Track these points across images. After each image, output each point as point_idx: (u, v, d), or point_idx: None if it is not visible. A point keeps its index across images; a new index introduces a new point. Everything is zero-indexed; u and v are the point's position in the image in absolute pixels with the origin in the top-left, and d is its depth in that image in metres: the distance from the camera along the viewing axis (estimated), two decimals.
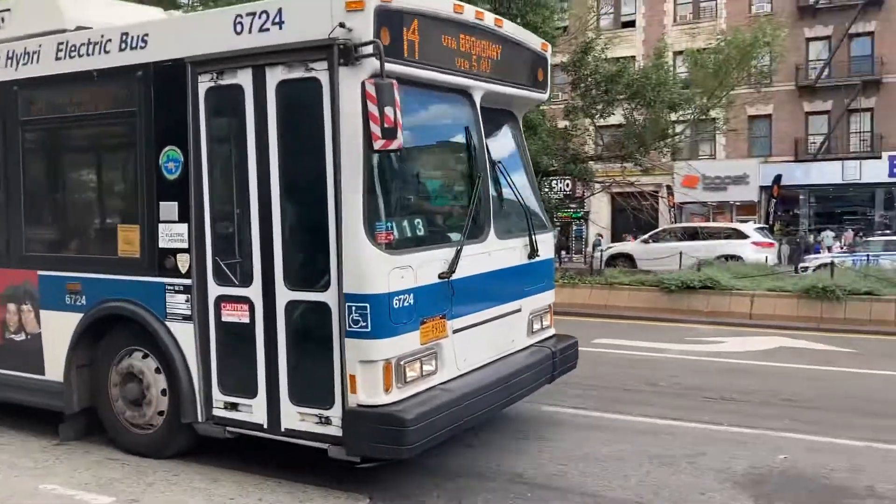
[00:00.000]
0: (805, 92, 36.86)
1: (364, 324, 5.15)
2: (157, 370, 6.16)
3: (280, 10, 5.32)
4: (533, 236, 6.81)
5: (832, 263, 17.00)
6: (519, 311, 6.72)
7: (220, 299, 5.77)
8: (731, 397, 8.74)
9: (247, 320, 5.66)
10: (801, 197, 37.21)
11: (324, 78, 5.20)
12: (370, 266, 5.15)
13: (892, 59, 35.55)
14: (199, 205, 5.79)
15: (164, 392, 6.14)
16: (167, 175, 5.93)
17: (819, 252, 29.59)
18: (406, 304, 5.32)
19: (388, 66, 5.05)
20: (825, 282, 14.64)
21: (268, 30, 5.39)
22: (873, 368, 10.53)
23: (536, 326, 7.03)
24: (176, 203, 5.89)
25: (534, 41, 7.06)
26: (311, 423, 5.45)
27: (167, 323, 5.97)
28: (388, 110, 4.79)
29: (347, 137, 5.12)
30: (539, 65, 7.14)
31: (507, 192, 6.61)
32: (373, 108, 4.81)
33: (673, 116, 22.21)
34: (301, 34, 5.25)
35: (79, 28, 6.62)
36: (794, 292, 14.79)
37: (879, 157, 35.19)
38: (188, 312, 5.87)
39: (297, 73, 5.32)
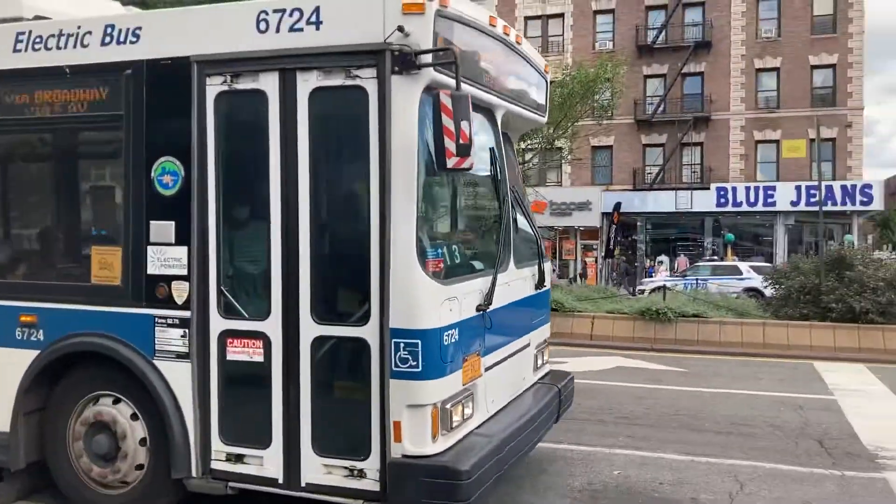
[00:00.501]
0: (643, 125, 39.89)
1: (414, 363, 4.57)
2: (134, 416, 5.28)
3: (318, 9, 4.71)
4: (542, 264, 6.43)
5: (664, 287, 17.85)
6: (528, 345, 6.30)
7: (226, 335, 5.01)
8: (571, 416, 8.61)
9: (260, 358, 4.93)
10: (638, 223, 39.72)
11: (371, 87, 4.62)
12: (423, 297, 4.59)
13: (720, 97, 39.07)
14: (202, 225, 5.03)
15: (143, 442, 5.27)
16: (161, 190, 5.12)
17: (653, 276, 31.57)
18: (453, 339, 4.79)
19: (435, 77, 4.57)
20: (658, 305, 15.28)
21: (300, 29, 4.76)
22: (700, 386, 10.97)
23: (540, 362, 6.63)
24: (172, 223, 5.09)
25: (540, 61, 6.73)
26: (340, 476, 4.79)
27: (156, 362, 5.13)
28: (464, 125, 4.29)
29: (400, 155, 4.56)
30: (542, 86, 6.82)
31: (519, 218, 6.21)
32: (448, 123, 4.29)
33: (522, 145, 22.76)
34: (343, 36, 4.66)
35: (37, 17, 5.70)
36: (631, 314, 15.37)
37: (708, 188, 38.10)
38: (184, 350, 5.06)
39: (336, 81, 4.71)
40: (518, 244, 6.07)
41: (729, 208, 37.91)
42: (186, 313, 5.05)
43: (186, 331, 5.05)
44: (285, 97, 4.82)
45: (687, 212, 38.16)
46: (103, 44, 5.25)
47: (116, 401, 5.35)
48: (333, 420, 4.86)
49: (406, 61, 4.49)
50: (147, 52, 5.14)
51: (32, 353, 5.43)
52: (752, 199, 37.67)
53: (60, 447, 5.49)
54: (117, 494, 5.36)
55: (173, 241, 5.08)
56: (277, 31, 4.80)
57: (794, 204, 36.79)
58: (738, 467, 7.07)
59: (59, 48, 5.37)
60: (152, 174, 5.13)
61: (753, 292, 23.01)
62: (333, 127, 4.84)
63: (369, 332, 4.67)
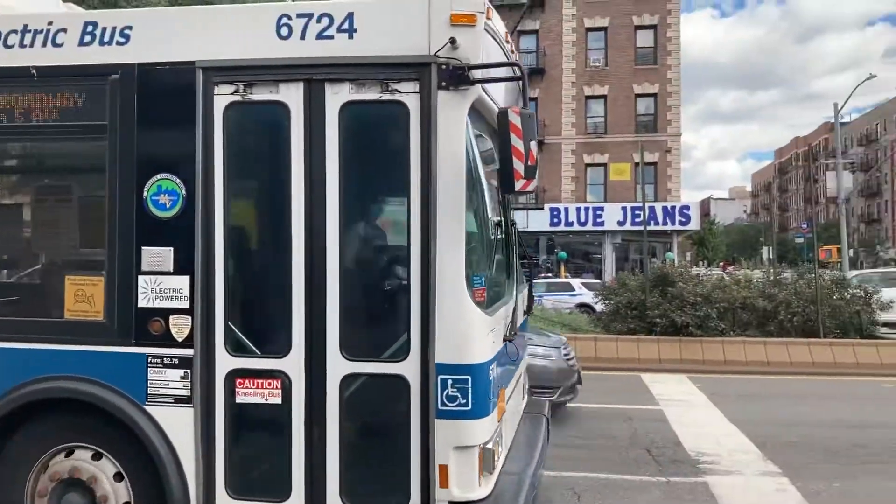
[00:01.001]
0: None
1: (463, 401, 4.22)
2: (119, 476, 4.61)
3: (350, 16, 4.30)
4: (532, 289, 6.23)
5: None
6: (521, 374, 6.07)
7: (236, 374, 4.46)
8: None
9: (277, 400, 4.41)
10: None
11: (412, 103, 4.25)
12: (474, 329, 4.25)
13: (553, 122, 41.18)
14: (207, 252, 4.46)
15: (119, 477, 4.61)
16: (157, 212, 4.51)
17: None
18: (495, 374, 4.49)
19: (480, 95, 4.29)
20: None
21: (331, 37, 4.33)
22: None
23: (525, 390, 6.41)
24: (171, 249, 4.49)
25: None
26: None
27: (149, 408, 4.49)
28: (533, 146, 4.02)
29: (448, 176, 4.22)
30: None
31: (513, 238, 5.98)
32: (517, 143, 4.00)
33: None
34: (380, 47, 4.28)
35: None
36: None
37: (542, 209, 39.70)
38: (185, 393, 4.46)
39: (371, 95, 4.31)
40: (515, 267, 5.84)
41: (561, 227, 40.07)
42: (188, 351, 4.45)
43: (188, 371, 4.45)
44: (311, 110, 4.36)
45: (523, 231, 39.23)
46: (82, 43, 4.58)
47: (97, 455, 4.64)
48: (365, 466, 4.42)
49: (456, 76, 4.16)
50: (139, 54, 4.52)
51: None
52: (582, 219, 40.11)
53: None
54: None
55: (172, 270, 4.48)
56: (302, 37, 4.35)
57: (620, 224, 39.54)
58: (575, 479, 7.30)
59: (22, 46, 4.64)
60: (145, 194, 4.51)
61: (585, 308, 24.03)
62: (368, 144, 4.43)
63: (409, 368, 4.28)
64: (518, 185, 4.03)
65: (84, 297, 4.57)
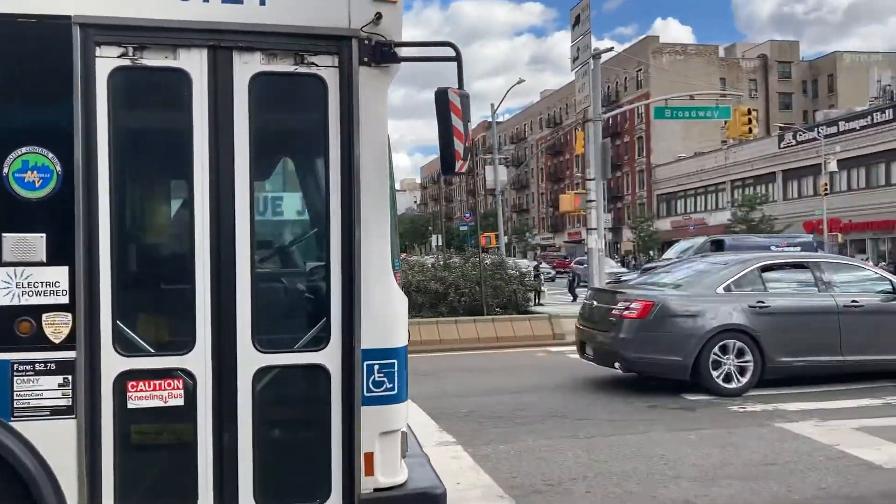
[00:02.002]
0: None
1: (390, 385, 4.16)
2: None
3: None
4: None
5: None
6: None
7: (127, 377, 3.92)
8: None
9: (179, 402, 3.97)
10: None
11: (331, 78, 4.06)
12: (399, 313, 4.20)
13: None
14: (90, 238, 3.84)
15: None
16: (23, 191, 3.78)
17: None
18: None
19: (393, 69, 4.23)
20: None
21: (239, 1, 3.96)
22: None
23: None
24: (43, 235, 3.79)
25: None
26: None
27: (14, 424, 3.77)
28: (468, 126, 4.04)
29: (369, 156, 4.09)
30: None
31: None
32: (457, 123, 3.98)
33: None
34: (294, 17, 4.01)
35: None
36: None
37: None
38: (65, 403, 3.82)
39: (286, 66, 4.03)
40: None
41: None
42: (69, 354, 3.81)
43: (68, 377, 3.81)
44: (217, 80, 3.96)
45: None
46: None
47: None
48: (283, 464, 4.14)
49: (380, 52, 4.05)
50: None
51: None
52: None
53: None
54: None
55: (45, 260, 3.79)
56: None
57: None
58: None
59: None
60: (5, 170, 3.76)
61: None
62: (282, 119, 4.13)
63: (329, 357, 4.10)
64: (457, 165, 4.05)
65: None
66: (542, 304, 22.83)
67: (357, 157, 4.06)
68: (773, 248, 26.15)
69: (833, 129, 53.81)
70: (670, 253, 26.53)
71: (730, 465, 7.27)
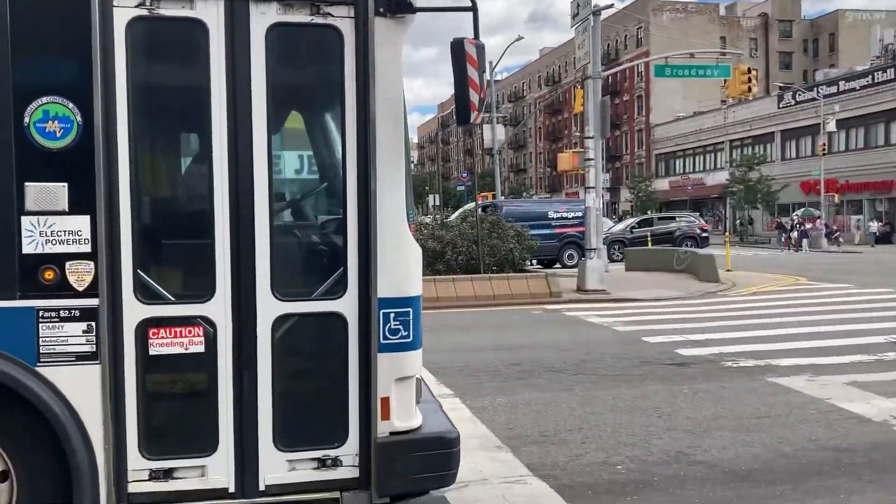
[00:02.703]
0: None
1: (405, 333, 4.25)
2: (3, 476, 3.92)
3: None
4: None
5: None
6: None
7: (149, 324, 4.00)
8: None
9: (200, 349, 4.06)
10: None
11: (346, 28, 4.08)
12: (413, 262, 4.28)
13: None
14: (111, 187, 3.90)
15: (3, 476, 3.94)
16: (44, 141, 3.83)
17: None
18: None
19: (409, 20, 4.23)
20: None
21: None
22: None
23: None
24: (64, 184, 3.85)
25: None
26: (308, 470, 4.23)
27: (41, 369, 3.87)
28: (484, 77, 4.08)
29: (385, 107, 4.12)
30: None
31: None
32: (473, 74, 4.02)
33: None
34: None
35: None
36: None
37: None
38: (89, 349, 3.91)
39: (301, 17, 4.05)
40: None
41: None
42: (92, 301, 3.89)
43: (92, 324, 3.90)
44: (234, 31, 3.98)
45: None
46: None
47: None
48: (300, 409, 4.26)
49: (396, 2, 4.06)
50: None
51: None
52: None
53: None
54: None
55: (67, 209, 3.86)
56: None
57: None
58: None
59: None
60: (27, 119, 3.80)
61: None
62: (298, 71, 4.17)
63: (346, 305, 4.19)
64: (472, 116, 4.09)
65: None
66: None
67: (372, 109, 4.09)
68: (551, 213, 27.21)
69: (833, 89, 53.53)
70: None
71: (722, 417, 7.44)
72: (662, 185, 72.34)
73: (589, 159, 20.19)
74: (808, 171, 52.70)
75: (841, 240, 45.92)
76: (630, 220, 29.15)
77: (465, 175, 72.67)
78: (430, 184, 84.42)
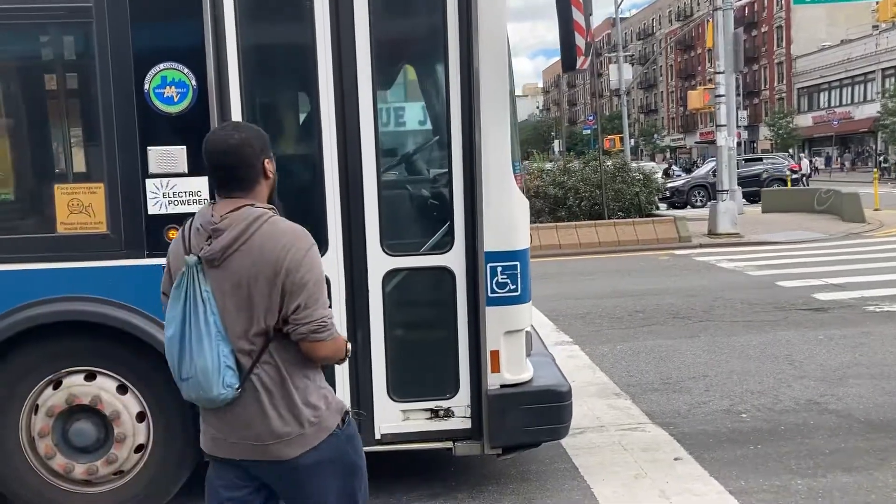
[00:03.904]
0: None
1: (513, 286, 4.24)
2: (122, 389, 4.21)
3: None
4: None
5: None
6: None
7: None
8: None
9: None
10: None
11: None
12: (520, 215, 4.25)
13: None
14: None
15: (140, 417, 4.24)
16: (163, 106, 4.02)
17: None
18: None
19: None
20: None
21: None
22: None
23: None
24: (183, 147, 4.04)
25: None
26: (422, 420, 4.34)
27: None
28: (590, 20, 3.95)
29: (488, 57, 4.06)
30: None
31: None
32: (578, 17, 3.91)
33: None
34: None
35: None
36: None
37: None
38: None
39: None
40: None
41: None
42: None
43: None
44: None
45: None
46: None
47: (90, 376, 4.20)
48: (411, 362, 4.37)
49: None
50: None
51: None
52: None
53: (11, 452, 4.19)
54: (113, 489, 4.25)
55: (186, 171, 4.05)
56: None
57: None
58: None
59: None
60: (146, 86, 3.99)
61: None
62: (400, 23, 4.17)
63: (454, 259, 4.22)
64: (578, 62, 3.98)
65: (80, 207, 4.04)
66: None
67: (476, 61, 4.04)
68: None
69: None
70: None
71: (860, 365, 7.06)
72: (805, 120, 68.17)
73: (719, 96, 19.23)
74: None
75: None
76: (712, 164, 27.73)
77: (591, 118, 71.05)
78: (555, 129, 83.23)
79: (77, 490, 4.24)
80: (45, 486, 4.22)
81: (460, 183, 4.14)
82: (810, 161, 50.82)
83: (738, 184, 27.98)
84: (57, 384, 4.16)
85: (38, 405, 4.17)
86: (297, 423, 2.48)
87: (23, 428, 4.19)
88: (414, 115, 4.37)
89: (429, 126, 4.35)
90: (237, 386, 2.41)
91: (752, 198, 27.34)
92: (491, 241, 4.15)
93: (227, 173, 2.48)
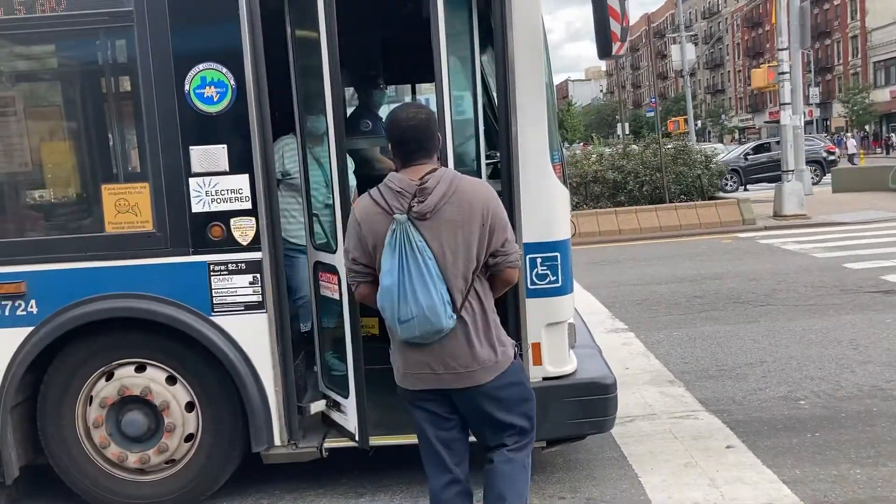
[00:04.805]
0: None
1: (553, 278, 4.20)
2: (171, 380, 4.33)
3: None
4: None
5: None
6: None
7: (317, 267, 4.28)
8: None
9: (335, 296, 4.28)
10: None
11: None
12: (560, 206, 4.21)
13: None
14: (265, 147, 4.13)
15: (189, 407, 4.35)
16: (203, 106, 4.10)
17: None
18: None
19: None
20: None
21: None
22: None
23: None
24: (224, 146, 4.12)
25: None
26: None
27: (215, 318, 4.21)
28: (626, 4, 3.88)
29: (524, 46, 4.03)
30: None
31: None
32: (613, 2, 3.84)
33: None
34: None
35: None
36: None
37: None
38: (256, 299, 4.20)
39: None
40: None
41: None
42: (256, 255, 4.17)
43: (258, 275, 4.18)
44: None
45: None
46: None
47: (140, 368, 4.32)
48: None
49: None
50: None
51: (22, 332, 4.21)
52: None
53: (69, 442, 4.36)
54: (164, 478, 4.38)
55: (227, 170, 4.13)
56: None
57: None
58: None
59: None
60: (187, 87, 4.08)
61: None
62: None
63: None
64: (615, 48, 3.91)
65: (126, 207, 4.16)
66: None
67: (510, 50, 4.01)
68: None
69: None
70: None
71: None
72: (882, 95, 65.51)
73: (783, 73, 18.61)
74: None
75: None
76: (744, 146, 26.66)
77: (653, 100, 69.82)
78: (619, 112, 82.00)
79: (131, 478, 4.39)
80: (102, 474, 4.38)
81: (503, 177, 4.12)
82: (862, 139, 48.65)
83: (770, 168, 26.89)
84: (109, 376, 4.31)
85: (91, 396, 4.33)
86: (493, 351, 2.93)
87: (79, 418, 4.35)
88: (449, 108, 4.35)
89: (464, 117, 4.33)
90: (455, 318, 2.82)
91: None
92: (530, 233, 4.12)
93: (418, 144, 2.92)
